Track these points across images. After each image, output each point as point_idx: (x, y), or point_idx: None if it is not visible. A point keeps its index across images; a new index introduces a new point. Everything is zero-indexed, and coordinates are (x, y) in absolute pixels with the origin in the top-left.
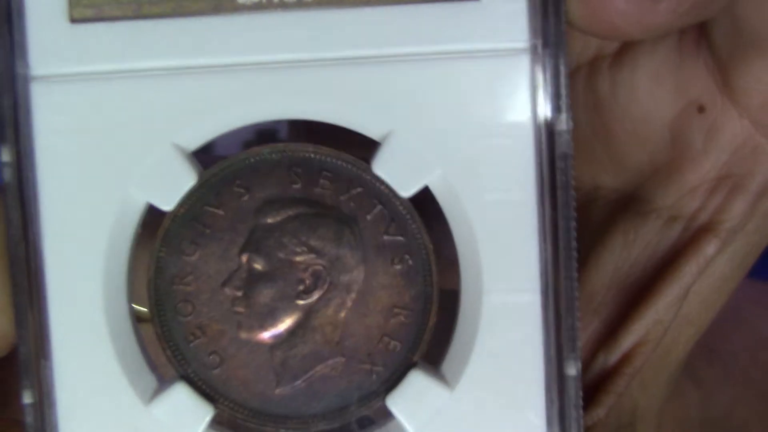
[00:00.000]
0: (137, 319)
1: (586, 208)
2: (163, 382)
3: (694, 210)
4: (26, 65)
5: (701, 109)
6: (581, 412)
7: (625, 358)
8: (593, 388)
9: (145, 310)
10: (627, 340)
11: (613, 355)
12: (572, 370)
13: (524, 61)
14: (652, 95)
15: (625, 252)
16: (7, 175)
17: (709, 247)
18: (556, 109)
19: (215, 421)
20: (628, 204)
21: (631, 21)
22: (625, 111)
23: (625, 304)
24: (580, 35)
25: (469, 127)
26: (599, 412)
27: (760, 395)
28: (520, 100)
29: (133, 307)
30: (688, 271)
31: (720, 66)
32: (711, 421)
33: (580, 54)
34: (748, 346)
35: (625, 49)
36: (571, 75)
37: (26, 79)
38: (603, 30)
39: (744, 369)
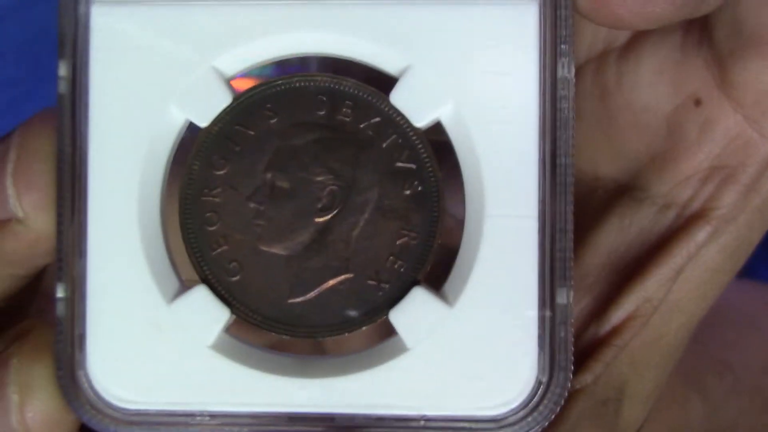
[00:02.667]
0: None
1: (586, 197)
2: (186, 286)
3: (687, 198)
4: None
5: (698, 103)
6: (571, 335)
7: (615, 331)
8: (583, 357)
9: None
10: (617, 314)
11: (603, 328)
12: (563, 298)
13: (533, 11)
14: (653, 88)
15: (620, 236)
16: (62, 87)
17: (700, 233)
18: (559, 55)
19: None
20: (625, 192)
21: (632, 11)
22: (628, 102)
23: (617, 283)
24: (591, 31)
25: (481, 66)
26: (587, 377)
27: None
28: (528, 46)
29: (162, 214)
30: (678, 253)
31: (719, 63)
32: None
33: (590, 48)
34: (762, 354)
35: (632, 44)
36: (581, 67)
37: (88, 1)
38: (606, 19)
39: (755, 378)
